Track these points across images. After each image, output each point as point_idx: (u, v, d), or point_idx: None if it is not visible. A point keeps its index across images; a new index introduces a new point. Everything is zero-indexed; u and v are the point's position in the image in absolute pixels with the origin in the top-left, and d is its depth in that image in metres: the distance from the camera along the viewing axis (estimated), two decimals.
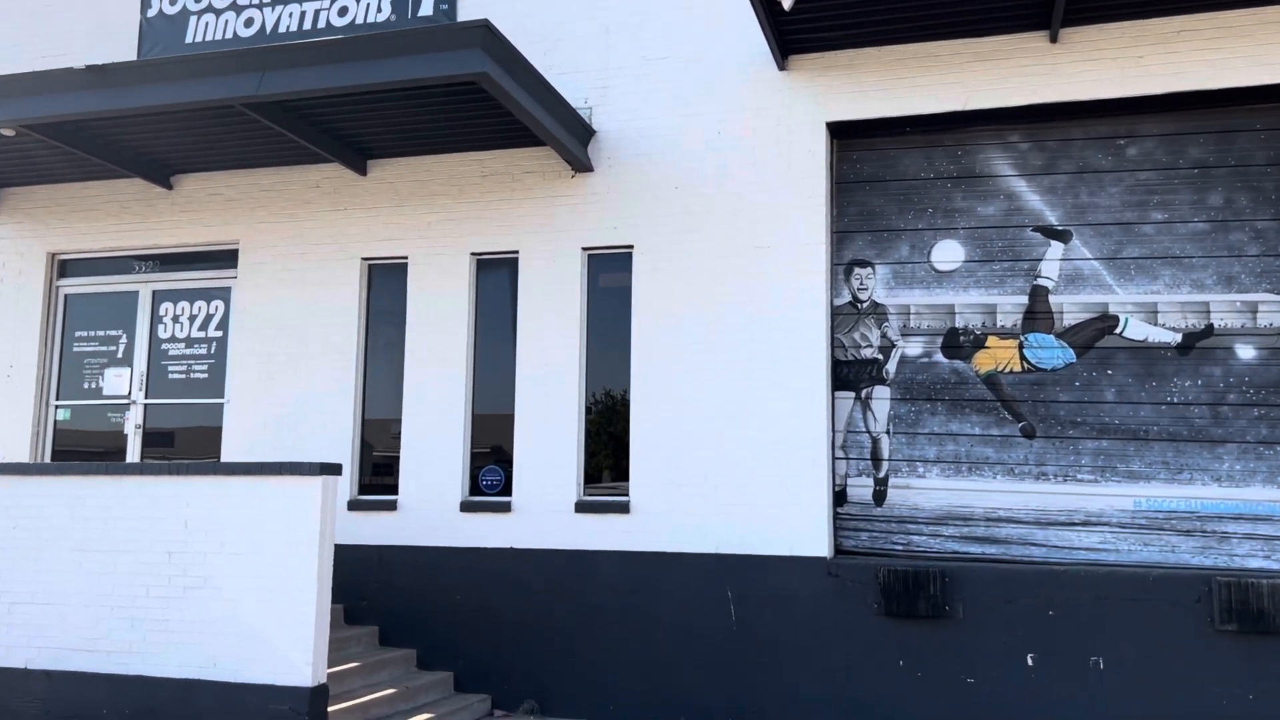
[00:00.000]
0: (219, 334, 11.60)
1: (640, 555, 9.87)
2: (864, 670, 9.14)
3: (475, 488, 10.60)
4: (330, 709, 8.50)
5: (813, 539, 9.42)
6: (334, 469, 8.45)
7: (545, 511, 10.22)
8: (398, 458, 10.69)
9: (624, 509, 9.97)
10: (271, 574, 8.30)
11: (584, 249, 10.47)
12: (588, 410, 10.38)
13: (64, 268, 12.23)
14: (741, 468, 9.68)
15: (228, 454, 11.17)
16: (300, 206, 11.32)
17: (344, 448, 10.85)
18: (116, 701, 8.45)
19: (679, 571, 9.74)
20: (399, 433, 10.75)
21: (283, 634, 8.21)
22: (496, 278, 10.85)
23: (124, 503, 8.71)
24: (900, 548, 9.53)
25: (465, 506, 10.39)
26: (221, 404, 11.37)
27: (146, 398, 11.68)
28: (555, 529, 10.15)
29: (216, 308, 11.65)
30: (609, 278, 10.48)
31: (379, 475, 10.91)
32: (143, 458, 11.59)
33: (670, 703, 9.62)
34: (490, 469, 10.58)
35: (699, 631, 9.62)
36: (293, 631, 8.18)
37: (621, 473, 10.22)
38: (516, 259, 10.69)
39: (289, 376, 11.12)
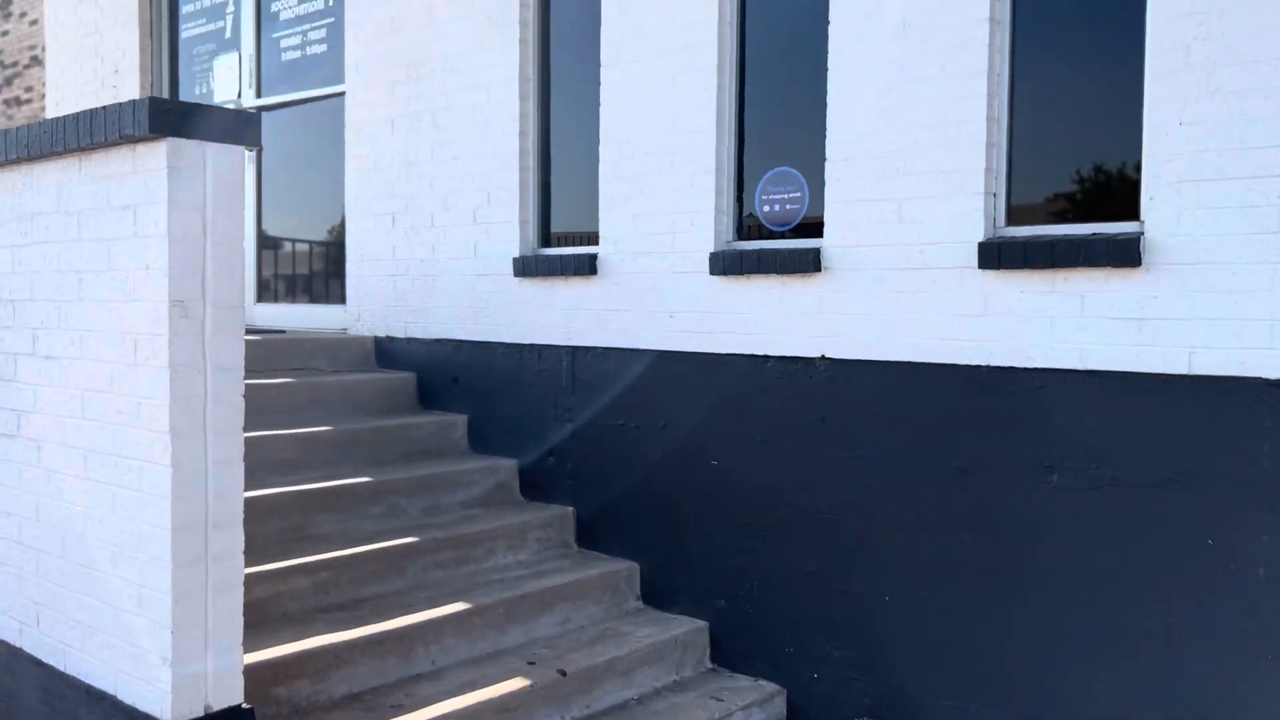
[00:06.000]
0: None
1: (1177, 383, 3.48)
2: None
3: (745, 226, 4.69)
4: None
5: None
6: (226, 126, 3.01)
7: (902, 268, 4.07)
8: (597, 177, 5.04)
9: (1127, 259, 3.55)
10: (93, 412, 3.21)
11: None
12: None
13: None
14: None
15: (350, 185, 6.23)
16: None
17: (506, 157, 5.40)
18: None
19: None
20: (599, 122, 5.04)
21: (122, 574, 3.14)
22: None
23: None
24: None
25: (722, 263, 4.53)
26: (341, 96, 6.39)
27: (258, 96, 7.04)
28: (931, 311, 4.00)
29: None
30: None
31: (569, 213, 5.36)
32: (259, 189, 7.07)
33: None
34: (779, 174, 4.56)
35: None
36: (138, 573, 3.07)
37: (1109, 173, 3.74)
38: None
39: (419, 27, 5.79)
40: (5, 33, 13.76)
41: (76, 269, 3.22)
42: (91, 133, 3.02)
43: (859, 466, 4.20)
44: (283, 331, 6.42)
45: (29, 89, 13.22)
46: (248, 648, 3.67)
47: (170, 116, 2.85)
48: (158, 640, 2.96)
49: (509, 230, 5.36)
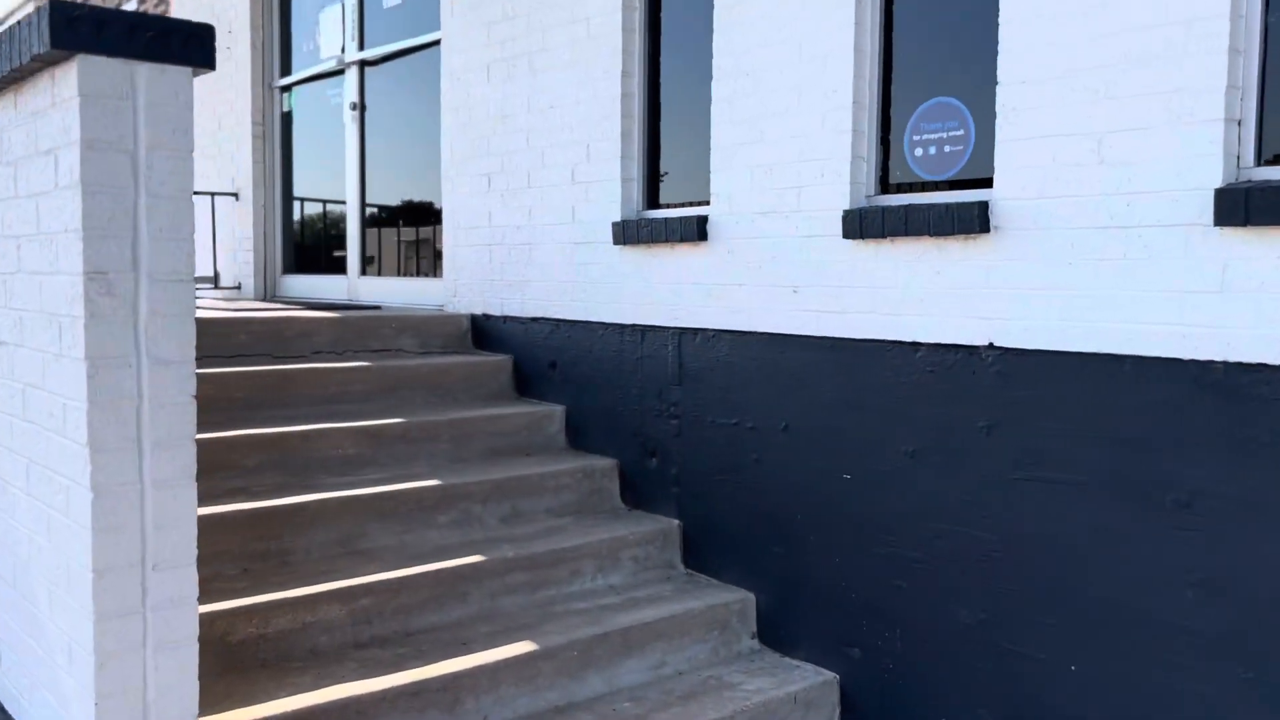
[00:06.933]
0: None
1: None
2: None
3: (888, 180, 3.67)
4: None
5: None
6: (164, 41, 2.28)
7: (1101, 226, 2.99)
8: (709, 139, 4.12)
9: None
10: (32, 413, 2.56)
11: None
12: None
13: None
14: None
15: (446, 142, 5.53)
16: None
17: (606, 103, 4.55)
18: None
19: None
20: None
21: (57, 621, 2.49)
22: None
23: None
24: None
25: (860, 224, 3.54)
26: (439, 44, 5.68)
27: (361, 49, 6.44)
28: (1142, 285, 2.92)
29: None
30: None
31: (684, 171, 4.46)
32: (362, 155, 6.49)
33: None
34: (936, 107, 3.52)
35: None
36: (69, 621, 2.41)
37: None
38: None
39: None
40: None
41: (15, 233, 2.58)
42: (11, 56, 2.35)
43: (1038, 491, 3.17)
44: (378, 308, 5.82)
45: None
46: (253, 698, 3.01)
47: (80, 26, 2.14)
48: (84, 710, 2.29)
49: (609, 190, 4.53)
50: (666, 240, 4.23)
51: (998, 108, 3.21)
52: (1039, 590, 3.19)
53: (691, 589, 4.10)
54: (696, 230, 4.08)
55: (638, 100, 4.49)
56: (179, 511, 2.33)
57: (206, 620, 3.16)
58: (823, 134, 3.67)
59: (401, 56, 6.13)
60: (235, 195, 7.39)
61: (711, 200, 4.09)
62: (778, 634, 3.97)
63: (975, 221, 3.22)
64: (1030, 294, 3.15)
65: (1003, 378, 3.23)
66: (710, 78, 4.09)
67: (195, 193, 7.53)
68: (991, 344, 3.25)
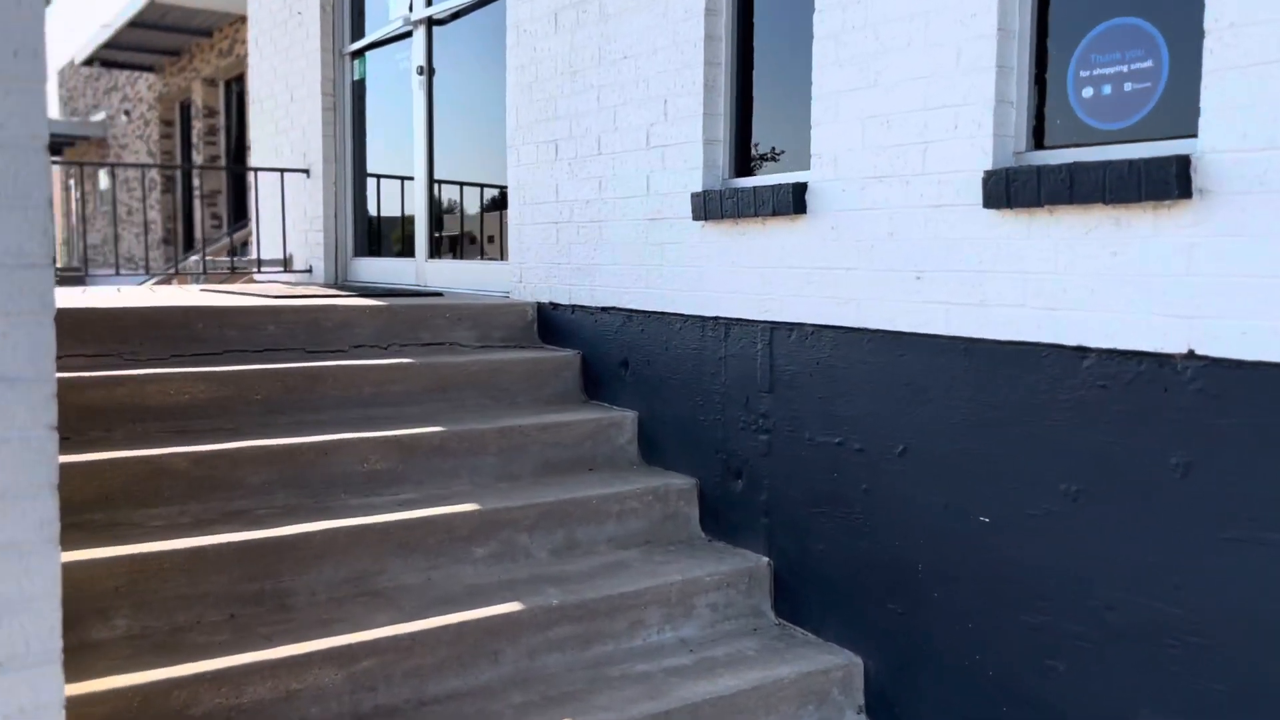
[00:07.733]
0: None
1: None
2: None
3: (1044, 131, 2.79)
4: None
5: None
6: None
7: None
8: (809, 88, 3.28)
9: None
10: None
11: None
12: None
13: None
14: None
15: (510, 105, 4.82)
16: None
17: (687, 48, 3.75)
18: None
19: None
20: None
21: None
22: None
23: None
24: None
25: (1006, 189, 2.67)
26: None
27: (428, 5, 5.79)
28: None
29: None
30: None
31: (780, 132, 3.64)
32: (430, 126, 5.85)
33: None
34: (1112, 32, 2.62)
35: None
36: None
37: None
38: None
39: None
40: None
41: None
42: None
43: (1257, 556, 2.28)
44: (440, 294, 5.18)
45: None
46: None
47: None
48: None
49: (689, 154, 3.74)
50: (756, 214, 3.42)
51: (1207, 24, 2.30)
52: (1256, 694, 2.30)
53: (782, 647, 3.31)
54: (792, 201, 3.27)
55: (724, 44, 3.69)
56: (34, 587, 1.68)
57: (162, 689, 2.54)
58: (957, 73, 2.81)
59: (471, 12, 5.45)
60: (306, 172, 6.88)
61: (812, 163, 3.27)
62: (892, 711, 3.15)
63: (1172, 183, 2.32)
64: (1253, 284, 2.25)
65: (1208, 398, 2.34)
66: (811, 9, 3.26)
67: (265, 169, 7.07)
68: (1192, 352, 2.36)
